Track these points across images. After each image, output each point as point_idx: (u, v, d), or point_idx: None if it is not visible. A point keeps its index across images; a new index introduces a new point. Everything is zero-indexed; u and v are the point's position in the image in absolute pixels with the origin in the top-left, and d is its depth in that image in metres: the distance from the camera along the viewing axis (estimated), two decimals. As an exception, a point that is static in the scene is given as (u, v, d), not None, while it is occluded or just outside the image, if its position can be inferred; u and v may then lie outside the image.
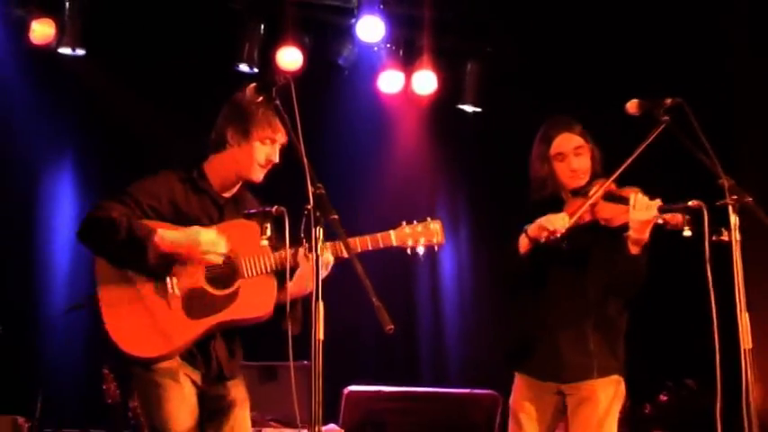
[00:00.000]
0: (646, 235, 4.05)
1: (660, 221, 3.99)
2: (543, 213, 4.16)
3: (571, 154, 4.24)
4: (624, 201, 4.08)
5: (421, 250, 3.87)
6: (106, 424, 5.55)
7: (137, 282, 3.66)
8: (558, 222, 4.05)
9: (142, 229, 3.59)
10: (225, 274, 3.74)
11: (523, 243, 4.15)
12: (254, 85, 3.67)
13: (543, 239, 4.06)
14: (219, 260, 3.68)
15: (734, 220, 3.60)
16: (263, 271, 3.72)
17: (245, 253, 3.71)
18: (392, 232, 3.84)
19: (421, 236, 3.86)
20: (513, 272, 4.28)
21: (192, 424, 3.67)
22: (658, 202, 4.01)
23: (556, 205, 4.24)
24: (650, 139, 3.96)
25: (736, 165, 6.30)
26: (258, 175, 3.86)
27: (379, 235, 3.83)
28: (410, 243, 3.84)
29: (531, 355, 4.28)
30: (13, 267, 6.64)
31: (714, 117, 4.31)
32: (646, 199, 4.01)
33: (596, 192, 4.12)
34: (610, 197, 4.13)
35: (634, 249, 4.08)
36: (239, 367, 3.92)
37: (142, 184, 3.77)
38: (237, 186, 3.92)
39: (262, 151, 3.81)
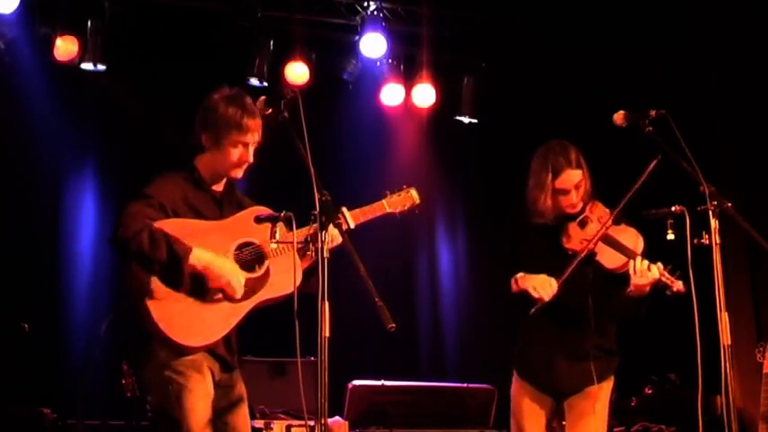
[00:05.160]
0: (646, 291, 4.02)
1: (660, 284, 3.96)
2: (540, 238, 4.16)
3: (572, 189, 4.15)
4: (623, 252, 4.04)
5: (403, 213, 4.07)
6: (125, 416, 5.54)
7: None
8: (544, 290, 4.00)
9: (180, 250, 3.49)
10: (252, 257, 3.69)
11: (514, 286, 4.10)
12: (264, 97, 3.69)
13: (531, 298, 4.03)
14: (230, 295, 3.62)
15: (714, 224, 3.59)
16: (285, 248, 3.66)
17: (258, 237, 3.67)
18: (384, 201, 3.98)
19: (405, 201, 4.04)
20: (504, 304, 4.24)
21: (210, 416, 3.56)
22: (659, 266, 3.96)
23: (554, 233, 4.18)
24: (644, 177, 3.96)
25: (717, 172, 6.33)
26: (237, 174, 3.80)
27: (374, 205, 3.96)
28: (398, 209, 4.01)
29: (531, 367, 4.23)
30: (39, 269, 6.64)
31: (697, 128, 4.29)
32: (645, 265, 3.96)
33: (595, 236, 4.07)
34: (609, 242, 4.08)
35: (634, 296, 4.04)
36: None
37: (158, 186, 3.68)
38: (224, 181, 3.85)
39: (234, 154, 3.74)
